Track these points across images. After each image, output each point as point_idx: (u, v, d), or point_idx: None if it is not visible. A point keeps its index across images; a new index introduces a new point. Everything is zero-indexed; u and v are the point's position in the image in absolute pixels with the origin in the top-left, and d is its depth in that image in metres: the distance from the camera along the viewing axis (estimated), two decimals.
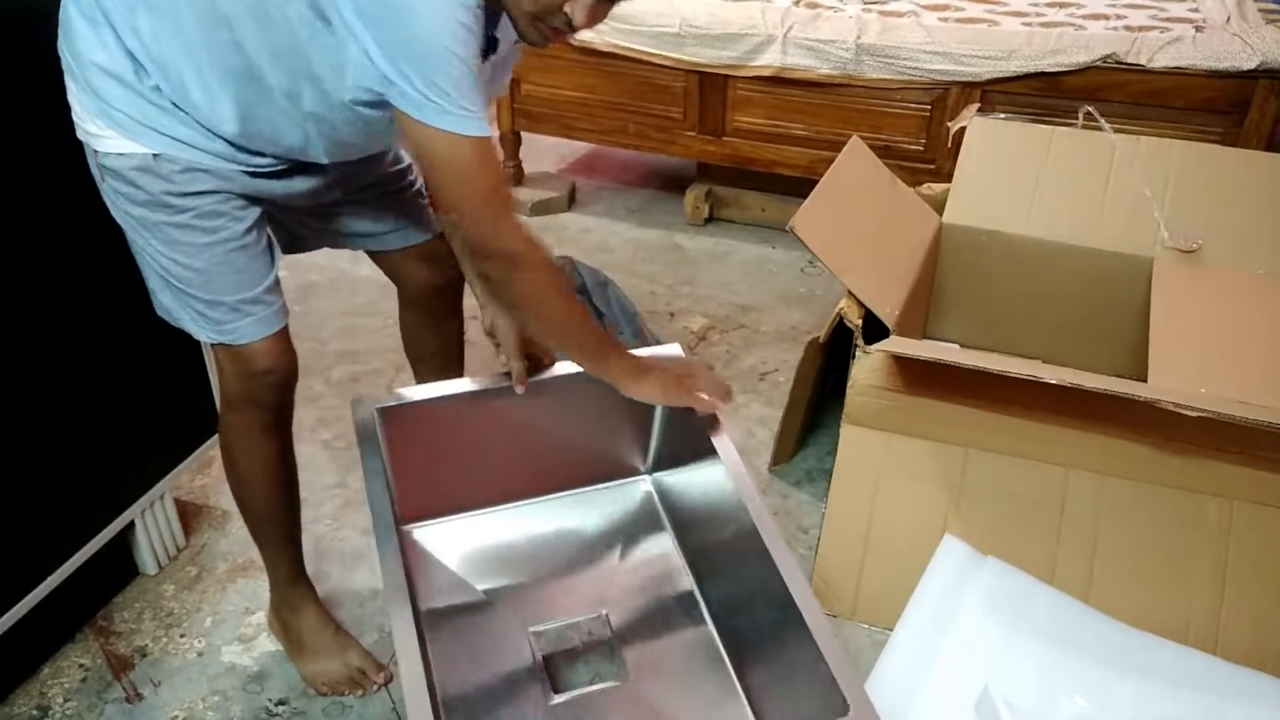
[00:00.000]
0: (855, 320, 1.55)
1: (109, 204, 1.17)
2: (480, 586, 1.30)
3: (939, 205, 1.96)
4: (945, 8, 2.63)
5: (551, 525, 1.38)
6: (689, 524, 1.35)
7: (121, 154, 1.10)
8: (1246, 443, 1.38)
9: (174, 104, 1.08)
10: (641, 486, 1.44)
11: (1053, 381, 1.37)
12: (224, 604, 1.58)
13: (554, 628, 1.25)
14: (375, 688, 1.42)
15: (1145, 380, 1.49)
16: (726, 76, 2.58)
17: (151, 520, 1.58)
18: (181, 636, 1.52)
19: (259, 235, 1.19)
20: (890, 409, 1.54)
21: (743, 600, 1.20)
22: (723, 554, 1.25)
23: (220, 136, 1.11)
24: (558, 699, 1.17)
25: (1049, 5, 2.66)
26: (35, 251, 1.28)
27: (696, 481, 1.30)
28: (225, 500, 1.80)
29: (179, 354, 1.55)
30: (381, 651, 1.46)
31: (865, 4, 2.65)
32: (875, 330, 1.58)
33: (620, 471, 1.43)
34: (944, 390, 1.51)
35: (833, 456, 1.60)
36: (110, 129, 1.10)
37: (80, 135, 1.13)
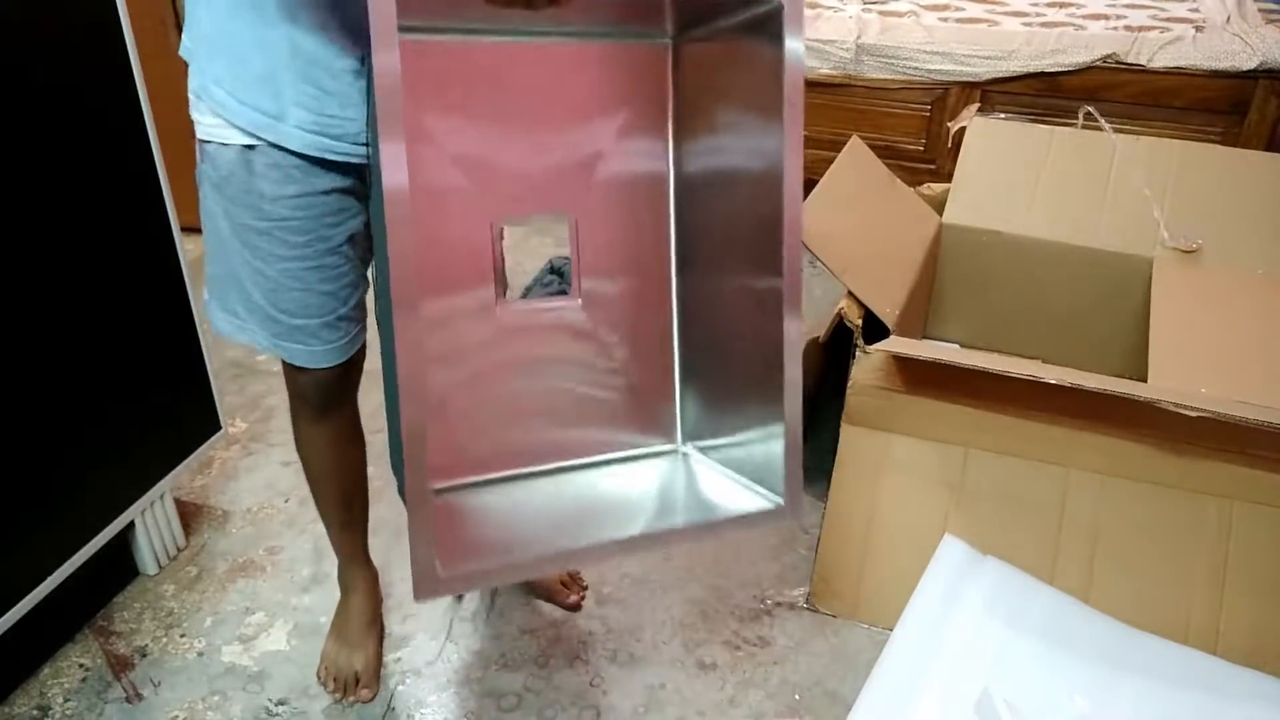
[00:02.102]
0: (855, 320, 1.55)
1: (199, 185, 1.14)
2: (451, 151, 1.07)
3: (939, 205, 1.96)
4: (945, 8, 2.63)
5: (540, 72, 1.10)
6: (697, 119, 1.13)
7: (224, 144, 1.07)
8: (1246, 443, 1.38)
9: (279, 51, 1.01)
10: (657, 48, 1.13)
11: (1053, 381, 1.37)
12: (224, 604, 1.58)
13: (521, 219, 1.11)
14: (350, 701, 1.41)
15: (1145, 380, 1.49)
16: None
17: (151, 520, 1.58)
18: (181, 636, 1.52)
19: (342, 259, 1.13)
20: (890, 409, 1.55)
21: (720, 292, 1.08)
22: (723, 190, 1.08)
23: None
24: (510, 306, 1.08)
25: (1049, 5, 2.66)
26: (37, 251, 1.28)
27: (734, 81, 1.05)
28: (225, 500, 1.80)
29: (179, 354, 1.55)
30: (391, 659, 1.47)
31: (865, 4, 2.65)
32: (875, 330, 1.58)
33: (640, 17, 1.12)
34: (944, 390, 1.51)
35: (833, 456, 1.60)
36: (209, 114, 1.07)
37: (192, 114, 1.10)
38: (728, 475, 1.12)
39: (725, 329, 1.11)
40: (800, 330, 0.97)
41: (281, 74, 1.02)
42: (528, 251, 2.63)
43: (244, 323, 1.16)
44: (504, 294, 1.08)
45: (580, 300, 1.12)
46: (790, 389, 0.98)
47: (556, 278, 2.20)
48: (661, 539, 1.00)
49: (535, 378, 1.11)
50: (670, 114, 1.15)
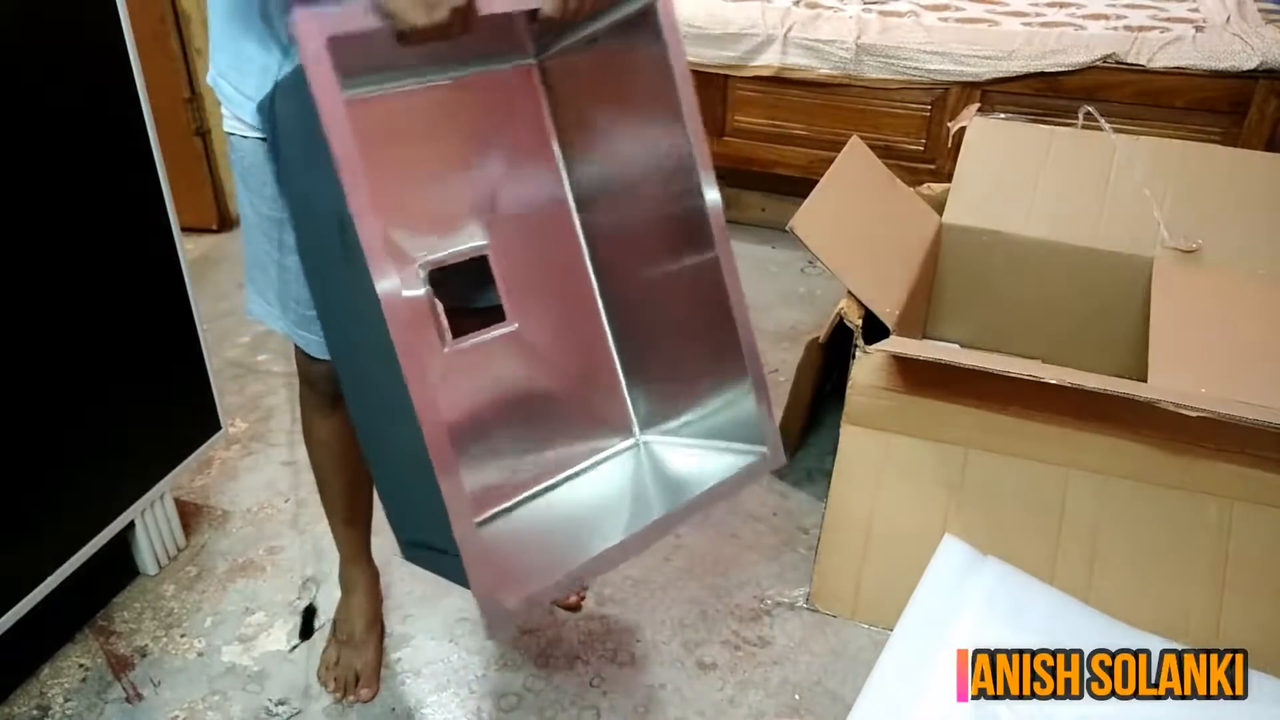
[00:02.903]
0: (855, 320, 1.55)
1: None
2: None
3: (939, 205, 1.96)
4: (945, 8, 2.63)
5: (423, 116, 1.09)
6: (583, 129, 1.14)
7: (244, 136, 1.08)
8: (1246, 443, 1.38)
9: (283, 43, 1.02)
10: (523, 69, 1.13)
11: (1053, 381, 1.37)
12: (224, 604, 1.58)
13: (441, 260, 1.11)
14: (351, 700, 1.41)
15: (1145, 380, 1.49)
16: (726, 76, 2.58)
17: (151, 520, 1.58)
18: (181, 636, 1.52)
19: None
20: (890, 409, 1.55)
21: (644, 268, 1.13)
22: (627, 187, 1.10)
23: None
24: (456, 345, 1.10)
25: (1049, 5, 2.66)
26: (37, 252, 1.28)
27: (613, 84, 1.06)
28: (225, 500, 1.80)
29: (179, 354, 1.55)
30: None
31: (865, 4, 2.65)
32: (875, 330, 1.58)
33: (505, 43, 1.11)
34: (944, 390, 1.51)
35: (833, 456, 1.60)
36: (225, 106, 1.08)
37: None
38: (698, 447, 1.16)
39: (659, 315, 1.14)
40: (740, 289, 1.02)
41: (276, 68, 1.02)
42: None
43: (270, 308, 1.18)
44: (446, 336, 1.10)
45: (516, 325, 1.14)
46: (747, 346, 1.03)
47: None
48: (681, 514, 1.03)
49: (494, 411, 1.13)
50: (551, 130, 1.17)
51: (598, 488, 1.19)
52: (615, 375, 1.21)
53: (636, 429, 1.21)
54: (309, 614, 1.36)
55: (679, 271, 1.07)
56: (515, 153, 1.16)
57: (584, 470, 1.19)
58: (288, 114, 0.94)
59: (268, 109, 0.99)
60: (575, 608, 1.56)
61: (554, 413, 1.19)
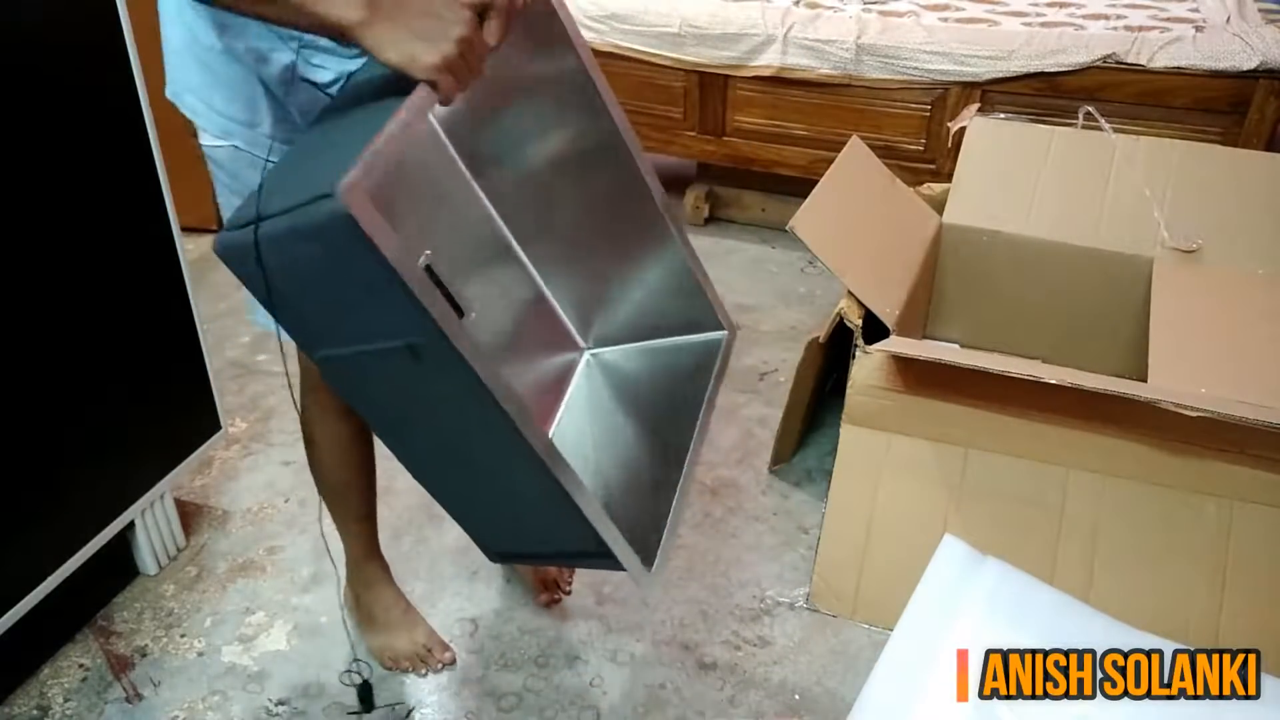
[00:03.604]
0: (855, 320, 1.55)
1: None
2: None
3: (939, 205, 1.96)
4: (945, 8, 2.63)
5: None
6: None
7: (218, 146, 1.08)
8: (1246, 443, 1.38)
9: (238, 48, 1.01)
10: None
11: (1053, 381, 1.37)
12: (224, 604, 1.58)
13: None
14: (439, 666, 1.45)
15: (1145, 380, 1.49)
16: (726, 76, 2.58)
17: (151, 520, 1.58)
18: (181, 636, 1.52)
19: None
20: (890, 409, 1.55)
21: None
22: (518, 129, 1.13)
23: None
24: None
25: (1049, 5, 2.66)
26: (37, 252, 1.28)
27: None
28: (225, 500, 1.80)
29: (179, 354, 1.55)
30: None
31: (865, 4, 2.65)
32: (875, 330, 1.58)
33: None
34: (944, 390, 1.51)
35: (833, 456, 1.60)
36: (194, 120, 1.08)
37: None
38: (654, 345, 1.26)
39: (578, 230, 1.20)
40: (644, 155, 1.07)
41: (251, 82, 1.03)
42: None
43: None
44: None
45: (474, 314, 1.18)
46: (672, 223, 1.09)
47: None
48: (704, 419, 1.15)
49: None
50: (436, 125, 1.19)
51: (583, 420, 1.28)
52: (555, 313, 1.29)
53: (583, 345, 1.32)
54: (366, 690, 1.39)
55: (589, 175, 1.11)
56: (413, 160, 1.18)
57: (563, 413, 1.29)
58: (298, 261, 0.90)
59: (251, 257, 0.93)
60: (547, 605, 1.56)
61: (524, 378, 1.26)
